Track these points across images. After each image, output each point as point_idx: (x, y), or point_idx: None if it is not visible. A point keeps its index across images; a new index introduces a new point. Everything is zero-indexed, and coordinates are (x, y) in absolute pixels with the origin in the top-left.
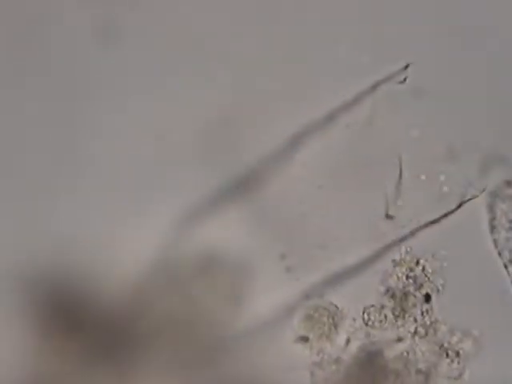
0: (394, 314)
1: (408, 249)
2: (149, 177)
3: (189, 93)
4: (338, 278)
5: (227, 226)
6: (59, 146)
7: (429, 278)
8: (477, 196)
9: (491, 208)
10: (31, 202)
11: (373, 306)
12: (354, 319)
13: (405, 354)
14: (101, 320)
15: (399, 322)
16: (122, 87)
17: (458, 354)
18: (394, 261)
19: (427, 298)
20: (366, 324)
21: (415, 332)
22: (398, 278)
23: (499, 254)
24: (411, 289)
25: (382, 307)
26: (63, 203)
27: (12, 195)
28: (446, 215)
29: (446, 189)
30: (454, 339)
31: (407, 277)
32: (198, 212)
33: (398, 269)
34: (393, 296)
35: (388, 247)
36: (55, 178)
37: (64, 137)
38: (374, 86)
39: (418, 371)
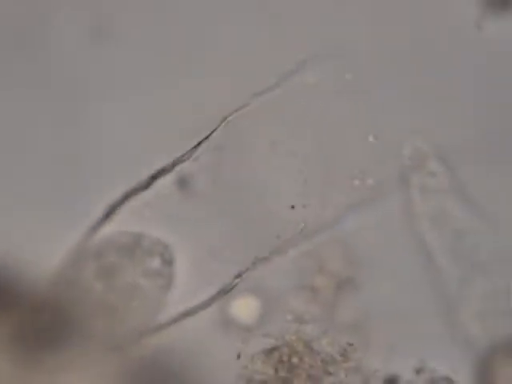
0: None
1: None
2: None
3: (187, 92)
4: None
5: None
6: (57, 145)
7: None
8: None
9: None
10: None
11: None
12: None
13: None
14: (36, 306)
15: None
16: (121, 86)
17: None
18: None
19: None
20: None
21: None
22: None
23: None
24: None
25: None
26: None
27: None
28: None
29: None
30: None
31: None
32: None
33: None
34: None
35: None
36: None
37: (62, 135)
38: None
39: None
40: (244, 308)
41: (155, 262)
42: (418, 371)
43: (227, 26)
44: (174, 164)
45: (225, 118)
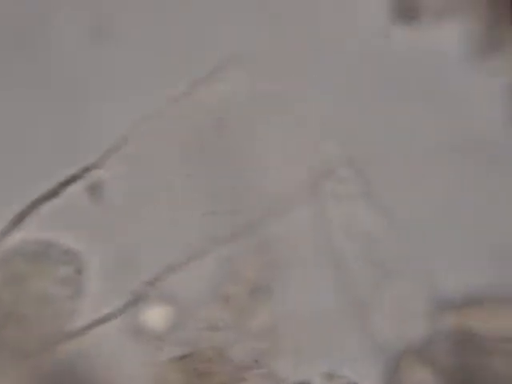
0: None
1: None
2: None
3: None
4: None
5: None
6: (56, 145)
7: None
8: None
9: None
10: None
11: None
12: None
13: None
14: None
15: None
16: (121, 86)
17: None
18: None
19: None
20: None
21: None
22: None
23: None
24: None
25: None
26: None
27: None
28: None
29: None
30: None
31: None
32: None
33: None
34: None
35: None
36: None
37: (61, 135)
38: None
39: None
40: (156, 316)
41: (65, 270)
42: (329, 378)
43: (227, 25)
44: (84, 171)
45: (137, 126)
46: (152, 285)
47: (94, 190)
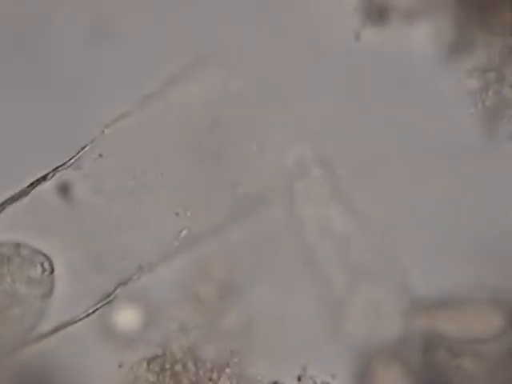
0: None
1: None
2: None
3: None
4: None
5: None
6: (56, 145)
7: None
8: None
9: None
10: None
11: None
12: None
13: None
14: None
15: None
16: (121, 86)
17: None
18: None
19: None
20: None
21: None
22: None
23: None
24: None
25: None
26: None
27: None
28: None
29: None
30: None
31: None
32: None
33: None
34: None
35: None
36: None
37: (61, 136)
38: None
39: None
40: (127, 317)
41: (35, 271)
42: (299, 378)
43: (227, 25)
44: (54, 172)
45: (106, 126)
46: (123, 285)
47: (64, 190)
